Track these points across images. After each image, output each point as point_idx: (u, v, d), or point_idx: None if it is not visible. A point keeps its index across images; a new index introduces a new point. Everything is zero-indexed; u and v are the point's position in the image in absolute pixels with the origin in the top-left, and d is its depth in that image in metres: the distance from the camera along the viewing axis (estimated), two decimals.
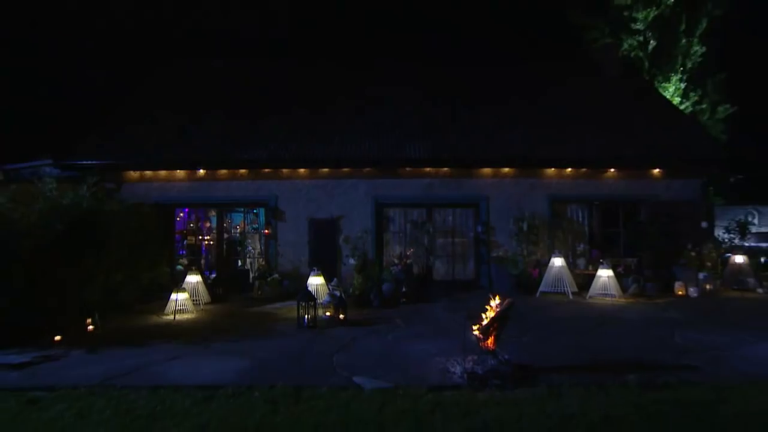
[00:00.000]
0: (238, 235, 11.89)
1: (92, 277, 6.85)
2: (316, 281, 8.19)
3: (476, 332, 4.88)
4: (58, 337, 5.91)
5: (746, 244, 18.93)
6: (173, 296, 7.65)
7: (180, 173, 10.74)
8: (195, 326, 7.09)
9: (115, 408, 3.87)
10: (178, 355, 5.41)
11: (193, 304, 8.12)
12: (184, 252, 11.51)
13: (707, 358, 5.15)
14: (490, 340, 4.81)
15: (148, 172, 10.72)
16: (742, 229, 11.88)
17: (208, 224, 11.80)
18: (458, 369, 4.72)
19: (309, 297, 6.97)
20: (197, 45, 22.97)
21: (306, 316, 6.84)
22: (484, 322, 4.86)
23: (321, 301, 7.86)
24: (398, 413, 3.75)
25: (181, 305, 7.68)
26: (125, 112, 12.14)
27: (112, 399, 4.05)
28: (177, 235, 11.11)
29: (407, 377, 4.59)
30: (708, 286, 9.82)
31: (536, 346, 5.75)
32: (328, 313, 7.48)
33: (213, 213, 11.92)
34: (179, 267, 10.59)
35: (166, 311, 7.75)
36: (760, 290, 9.83)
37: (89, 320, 6.50)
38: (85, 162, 10.18)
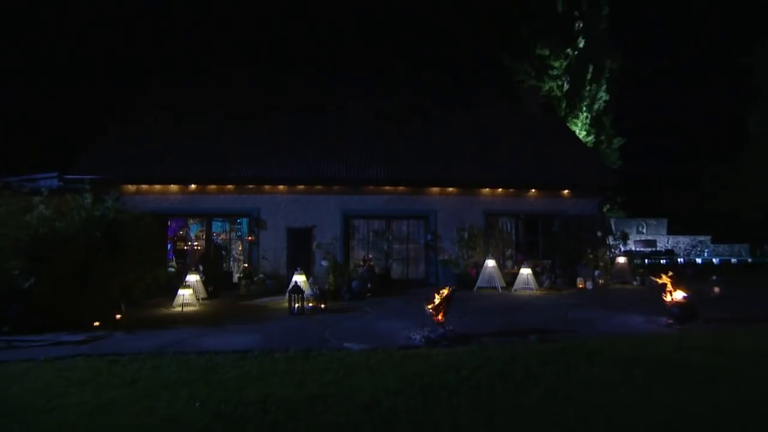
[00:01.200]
0: (222, 241, 12.89)
1: (114, 275, 7.81)
2: (299, 279, 9.54)
3: (430, 310, 6.50)
4: (97, 323, 6.91)
5: (635, 249, 22.26)
6: (180, 292, 8.72)
7: (173, 187, 11.70)
8: (204, 315, 8.23)
9: (177, 364, 5.10)
10: (203, 334, 6.62)
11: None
12: (172, 256, 12.37)
13: (584, 325, 7.12)
14: (440, 316, 6.45)
15: (144, 186, 11.59)
16: (624, 238, 14.43)
17: (197, 232, 12.71)
18: (417, 336, 6.31)
19: (298, 290, 8.34)
20: (186, 59, 23.56)
21: (296, 305, 8.20)
22: (436, 302, 6.51)
23: (305, 294, 9.20)
24: (380, 361, 5.27)
25: (186, 300, 8.76)
26: (120, 128, 12.88)
27: (172, 359, 5.27)
28: (168, 242, 11.97)
29: (382, 342, 6.11)
30: (600, 281, 12.16)
31: (472, 322, 7.46)
32: (311, 304, 8.84)
33: (196, 222, 12.87)
34: (171, 269, 11.49)
35: (173, 304, 8.80)
36: (635, 283, 12.32)
37: (116, 310, 7.50)
38: (86, 177, 10.89)
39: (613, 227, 24.49)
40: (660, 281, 7.38)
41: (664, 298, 7.27)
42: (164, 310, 8.69)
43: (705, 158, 23.83)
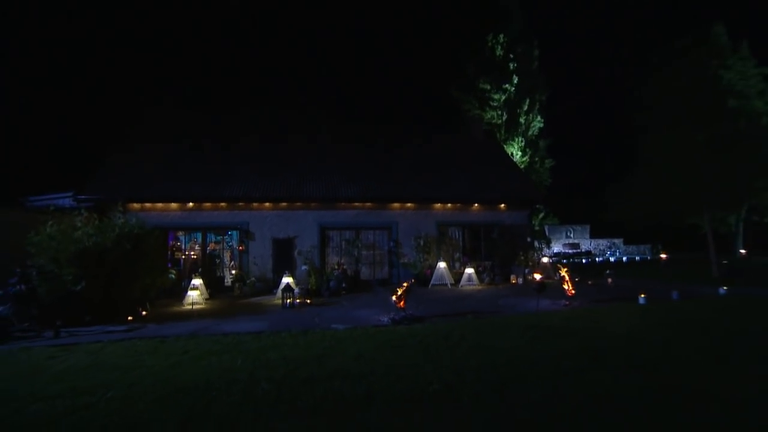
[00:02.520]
0: (216, 251, 14.13)
1: (138, 279, 9.07)
2: (288, 280, 11.08)
3: (394, 299, 8.32)
4: (130, 318, 8.20)
5: (563, 251, 25.17)
6: (189, 293, 10.06)
7: (173, 205, 12.91)
8: (212, 310, 9.62)
9: (211, 341, 6.60)
10: (220, 322, 8.08)
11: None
12: (170, 264, 13.47)
13: (507, 308, 9.15)
14: (402, 303, 8.26)
15: (147, 204, 12.72)
16: (548, 243, 16.90)
17: (190, 243, 13.87)
18: (385, 318, 8.09)
19: (289, 289, 9.91)
20: (185, 93, 24.46)
21: (288, 301, 9.77)
22: (399, 294, 8.32)
23: (294, 292, 10.77)
24: (359, 334, 6.98)
25: (194, 299, 10.10)
26: (124, 156, 13.90)
27: (205, 338, 6.76)
28: (168, 251, 13.11)
29: (359, 323, 7.83)
30: (529, 277, 14.44)
31: (426, 308, 9.30)
32: (298, 300, 10.43)
33: (188, 234, 14.03)
34: (171, 276, 12.63)
35: (183, 303, 10.11)
36: (556, 277, 14.70)
37: (141, 308, 8.78)
38: (96, 197, 11.98)
39: (547, 232, 27.56)
40: (562, 273, 9.60)
41: (564, 285, 9.49)
42: (176, 308, 9.99)
43: (607, 176, 27.45)
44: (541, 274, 10.34)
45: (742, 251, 23.74)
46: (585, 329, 6.88)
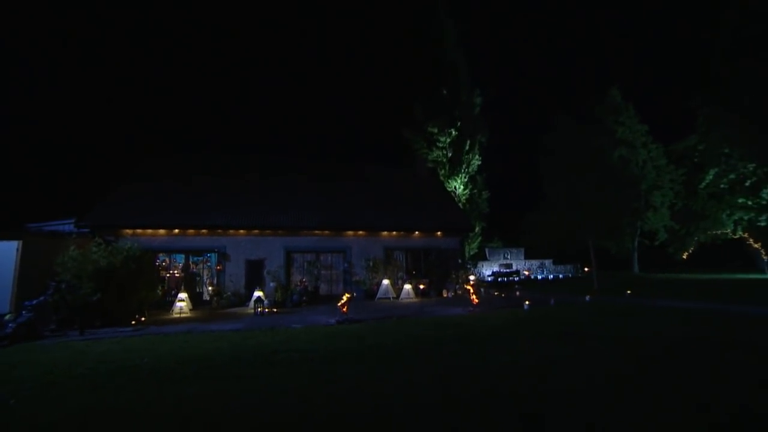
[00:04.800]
0: (196, 269, 16.22)
1: (138, 293, 11.21)
2: (259, 294, 13.42)
3: (339, 306, 10.95)
4: (133, 322, 10.36)
5: (499, 270, 28.58)
6: (178, 303, 12.23)
7: (161, 231, 15.04)
8: (198, 317, 11.83)
9: (203, 335, 8.95)
10: (207, 325, 10.38)
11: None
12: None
13: (429, 313, 11.97)
14: (345, 309, 10.90)
15: (138, 230, 14.80)
16: (474, 263, 20.06)
17: (173, 263, 15.91)
18: (332, 320, 10.68)
19: (260, 300, 12.31)
20: (172, 139, 26.43)
21: (259, 309, 12.16)
22: (342, 302, 10.97)
23: (264, 303, 13.14)
24: (311, 330, 9.54)
25: (182, 309, 12.27)
26: (116, 195, 15.93)
27: (198, 334, 9.10)
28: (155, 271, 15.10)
29: (312, 324, 10.37)
30: (459, 292, 17.43)
31: (366, 315, 11.93)
32: (267, 309, 12.81)
33: (167, 255, 16.09)
34: (158, 291, 14.63)
35: (172, 313, 12.26)
36: (482, 292, 17.78)
37: (140, 316, 10.92)
38: (95, 224, 13.99)
39: (488, 254, 31.09)
40: (468, 287, 12.56)
41: (471, 296, 12.45)
42: (166, 317, 12.13)
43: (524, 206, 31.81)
44: (472, 289, 13.17)
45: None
46: (470, 324, 9.77)
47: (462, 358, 6.41)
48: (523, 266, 31.11)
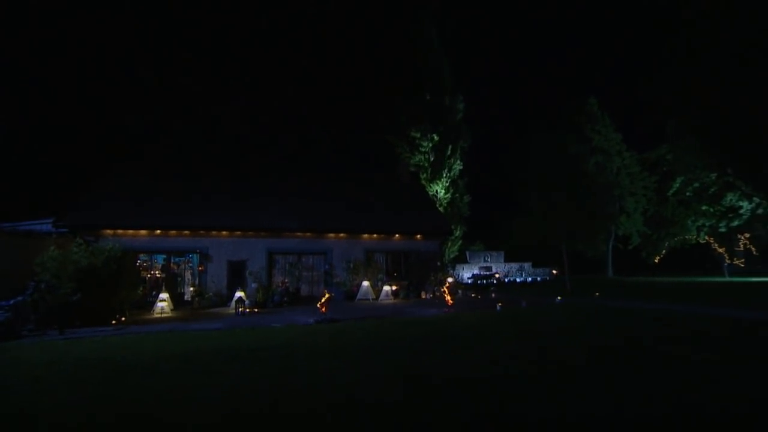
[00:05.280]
0: (177, 270, 16.33)
1: (118, 293, 11.35)
2: (241, 294, 13.67)
3: (319, 305, 11.31)
4: (114, 321, 10.51)
5: (480, 272, 29.26)
6: (159, 303, 12.39)
7: (142, 231, 15.14)
8: (179, 317, 12.02)
9: (184, 334, 9.20)
10: (188, 324, 10.60)
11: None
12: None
13: (406, 313, 12.40)
14: (324, 309, 11.27)
15: (119, 230, 14.86)
16: (453, 265, 20.64)
17: (153, 263, 16.00)
18: (311, 320, 11.04)
19: (241, 300, 12.57)
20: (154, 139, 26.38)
21: (240, 309, 12.41)
22: (321, 302, 11.33)
23: (245, 303, 13.39)
24: (290, 329, 9.88)
25: (163, 309, 12.44)
26: (101, 190, 15.95)
27: (180, 333, 9.34)
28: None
29: (291, 323, 10.71)
30: (437, 293, 17.94)
31: (345, 315, 12.31)
32: (248, 310, 13.07)
33: (148, 256, 16.18)
34: (139, 291, 14.72)
35: (152, 312, 12.41)
36: (459, 293, 18.33)
37: (121, 315, 11.06)
38: (74, 224, 14.01)
39: (468, 258, 31.78)
40: (443, 289, 13.06)
41: (446, 298, 12.95)
42: (147, 317, 12.28)
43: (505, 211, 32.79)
44: (447, 290, 13.68)
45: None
46: (441, 324, 10.25)
47: (425, 353, 6.87)
48: (503, 269, 31.90)
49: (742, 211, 21.38)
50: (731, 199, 21.31)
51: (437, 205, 24.56)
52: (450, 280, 19.09)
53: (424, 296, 17.59)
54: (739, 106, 14.94)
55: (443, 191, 27.51)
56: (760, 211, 20.84)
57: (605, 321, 10.08)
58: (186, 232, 15.61)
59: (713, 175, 21.55)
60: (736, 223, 21.61)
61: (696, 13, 16.93)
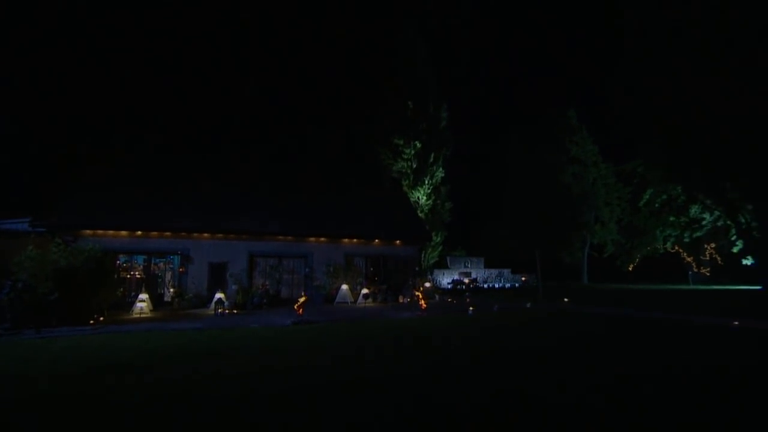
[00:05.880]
0: (158, 271, 16.45)
1: (98, 293, 11.51)
2: (221, 295, 13.93)
3: (296, 308, 11.68)
4: (92, 321, 10.69)
5: (459, 278, 29.92)
6: (138, 304, 12.57)
7: (123, 232, 15.26)
8: (159, 318, 12.22)
9: (163, 333, 9.46)
10: (167, 324, 10.84)
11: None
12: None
13: (381, 317, 12.84)
14: (300, 311, 11.65)
15: (99, 231, 14.96)
16: (432, 270, 21.21)
17: (133, 264, 16.10)
18: (288, 321, 11.40)
19: (221, 301, 12.84)
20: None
21: (219, 310, 12.69)
22: (298, 304, 11.71)
23: (225, 304, 13.66)
24: (267, 329, 10.22)
25: (142, 309, 12.62)
26: (81, 189, 16.00)
27: (159, 332, 9.60)
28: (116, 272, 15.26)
29: (269, 324, 11.05)
30: (413, 299, 18.43)
31: (321, 317, 12.68)
32: (227, 311, 13.34)
33: (128, 257, 16.28)
34: (119, 292, 14.82)
35: (132, 313, 12.58)
36: (437, 298, 18.88)
37: (100, 315, 11.23)
38: (52, 224, 14.08)
39: (449, 263, 32.46)
40: (417, 293, 13.57)
41: (420, 302, 13.45)
42: (126, 317, 12.44)
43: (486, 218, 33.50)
44: (421, 295, 14.22)
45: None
46: (412, 326, 10.74)
47: (384, 349, 7.35)
48: (482, 275, 32.64)
49: (704, 223, 22.55)
50: (695, 211, 22.45)
51: (418, 212, 25.15)
52: (427, 284, 19.65)
53: (401, 300, 18.06)
54: (697, 125, 15.95)
55: (425, 198, 28.14)
56: (720, 223, 22.02)
57: (550, 322, 10.72)
58: (167, 233, 15.78)
59: (679, 188, 22.69)
60: (698, 234, 22.76)
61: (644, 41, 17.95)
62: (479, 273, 32.55)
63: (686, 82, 16.12)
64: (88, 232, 14.82)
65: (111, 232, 15.08)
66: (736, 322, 10.28)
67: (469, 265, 32.68)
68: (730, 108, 15.49)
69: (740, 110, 15.43)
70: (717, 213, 21.32)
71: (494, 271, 33.50)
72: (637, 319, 11.46)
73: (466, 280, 29.00)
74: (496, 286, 30.24)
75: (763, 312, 12.56)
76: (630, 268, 36.36)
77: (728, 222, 20.83)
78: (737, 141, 16.10)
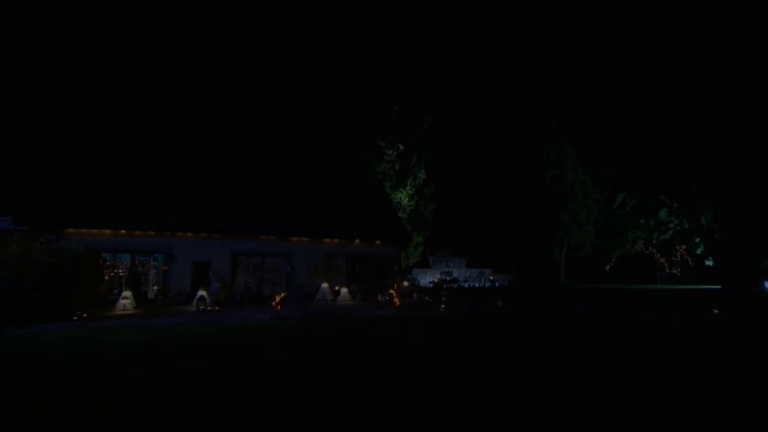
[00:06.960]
0: (141, 269, 16.83)
1: (81, 290, 11.92)
2: (203, 292, 14.39)
3: (274, 304, 12.26)
4: (75, 318, 11.12)
5: (441, 278, 30.72)
6: (121, 301, 13.00)
7: (107, 231, 15.62)
8: (141, 314, 12.66)
9: (145, 328, 9.96)
10: (149, 320, 11.32)
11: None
12: None
13: (355, 313, 13.50)
14: (279, 307, 12.23)
15: (83, 230, 15.29)
16: (411, 270, 21.92)
17: (121, 263, 16.46)
18: (267, 316, 11.97)
19: (203, 299, 13.35)
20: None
21: (201, 307, 13.19)
22: (277, 301, 12.29)
23: (207, 301, 14.15)
24: (248, 324, 10.78)
25: (125, 306, 13.05)
26: (64, 187, 16.29)
27: (141, 328, 10.09)
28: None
29: (249, 320, 11.61)
30: (390, 297, 19.10)
31: (299, 313, 13.29)
32: (209, 308, 13.83)
33: (111, 255, 16.64)
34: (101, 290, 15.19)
35: (115, 310, 13.01)
36: (415, 296, 19.60)
37: (83, 311, 11.66)
38: (35, 222, 14.39)
39: (431, 263, 33.26)
40: (392, 292, 14.25)
41: (394, 300, 14.14)
42: (109, 313, 12.86)
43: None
44: (395, 293, 14.90)
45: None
46: (381, 321, 11.41)
47: (348, 340, 8.01)
48: (463, 275, 33.48)
49: (671, 225, 23.69)
50: (663, 215, 23.59)
51: (401, 213, 25.88)
52: (405, 284, 20.35)
53: (380, 299, 18.70)
54: (667, 135, 16.95)
55: (407, 199, 28.87)
56: (686, 225, 23.21)
57: (504, 317, 11.52)
58: (151, 232, 16.18)
59: (647, 193, 23.81)
60: (665, 236, 23.93)
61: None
62: (460, 273, 33.40)
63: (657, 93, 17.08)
64: (72, 230, 15.14)
65: (95, 230, 15.43)
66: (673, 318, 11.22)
67: (451, 265, 33.51)
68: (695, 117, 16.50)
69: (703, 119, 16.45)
70: (681, 216, 22.49)
71: (475, 271, 34.37)
72: (589, 316, 12.33)
73: (448, 279, 29.82)
74: (477, 285, 31.11)
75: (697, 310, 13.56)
76: (607, 268, 37.63)
77: (691, 225, 22.03)
78: (700, 145, 17.13)
